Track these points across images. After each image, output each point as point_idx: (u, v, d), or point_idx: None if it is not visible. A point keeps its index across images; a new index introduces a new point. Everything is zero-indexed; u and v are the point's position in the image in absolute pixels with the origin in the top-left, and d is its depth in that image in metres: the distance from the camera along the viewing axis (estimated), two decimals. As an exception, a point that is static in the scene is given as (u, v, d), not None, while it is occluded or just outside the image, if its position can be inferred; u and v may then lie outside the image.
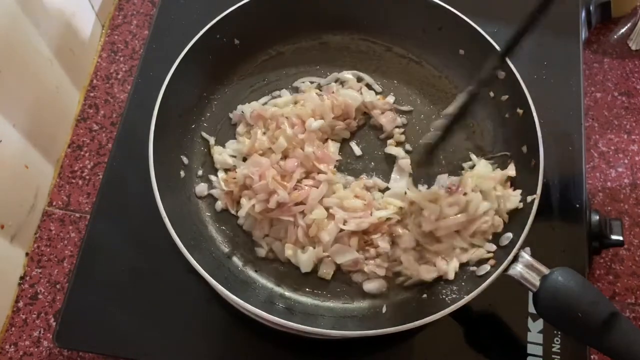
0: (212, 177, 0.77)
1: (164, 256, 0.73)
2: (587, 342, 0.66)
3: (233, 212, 0.75)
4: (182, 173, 0.76)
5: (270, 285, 0.72)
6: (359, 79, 0.84)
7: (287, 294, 0.72)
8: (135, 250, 0.76)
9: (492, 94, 0.79)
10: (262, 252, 0.73)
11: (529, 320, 0.72)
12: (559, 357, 0.71)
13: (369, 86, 0.84)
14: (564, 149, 0.82)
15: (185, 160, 0.77)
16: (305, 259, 0.71)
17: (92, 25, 1.03)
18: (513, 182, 0.73)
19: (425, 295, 0.70)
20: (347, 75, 0.84)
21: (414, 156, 0.78)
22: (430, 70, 0.85)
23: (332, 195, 0.73)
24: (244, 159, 0.77)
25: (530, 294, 0.64)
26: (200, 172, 0.78)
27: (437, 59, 0.84)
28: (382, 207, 0.73)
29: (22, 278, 0.88)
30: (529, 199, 0.69)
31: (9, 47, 0.79)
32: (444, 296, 0.68)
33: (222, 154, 0.78)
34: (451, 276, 0.68)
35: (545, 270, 0.63)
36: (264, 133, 0.77)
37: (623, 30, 1.09)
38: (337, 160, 0.78)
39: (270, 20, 0.82)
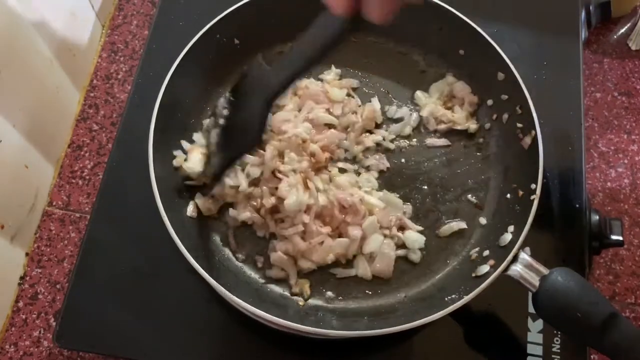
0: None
1: (164, 256, 0.73)
2: (587, 342, 0.66)
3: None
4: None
5: (270, 285, 0.72)
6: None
7: (287, 293, 0.72)
8: (135, 251, 0.76)
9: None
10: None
11: (529, 320, 0.73)
12: (559, 357, 0.71)
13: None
14: (564, 149, 0.82)
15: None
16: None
17: (92, 25, 1.03)
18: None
19: (425, 295, 0.71)
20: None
21: None
22: (431, 70, 0.85)
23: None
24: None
25: (530, 294, 0.64)
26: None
27: (437, 59, 0.84)
28: None
29: (22, 278, 0.88)
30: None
31: (9, 47, 0.79)
32: (444, 296, 0.68)
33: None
34: None
35: (544, 270, 0.63)
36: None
37: (623, 30, 1.09)
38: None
39: (270, 20, 0.82)
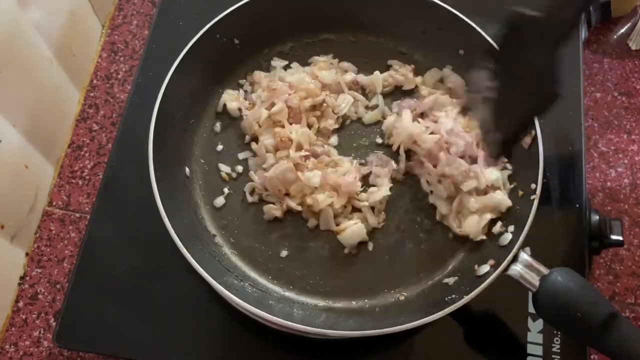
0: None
1: (164, 256, 0.73)
2: (587, 342, 0.66)
3: None
4: (182, 173, 0.76)
5: (270, 284, 0.72)
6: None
7: (287, 293, 0.72)
8: (135, 250, 0.76)
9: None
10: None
11: (529, 320, 0.72)
12: (559, 357, 0.71)
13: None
14: (564, 149, 0.82)
15: (185, 160, 0.77)
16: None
17: (92, 25, 1.03)
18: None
19: (425, 295, 0.71)
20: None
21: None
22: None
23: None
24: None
25: (530, 294, 0.64)
26: (199, 172, 0.78)
27: (437, 59, 0.84)
28: None
29: (22, 278, 0.88)
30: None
31: (9, 47, 0.79)
32: (444, 296, 0.68)
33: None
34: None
35: (544, 270, 0.63)
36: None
37: (623, 30, 1.09)
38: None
39: (270, 20, 0.82)
